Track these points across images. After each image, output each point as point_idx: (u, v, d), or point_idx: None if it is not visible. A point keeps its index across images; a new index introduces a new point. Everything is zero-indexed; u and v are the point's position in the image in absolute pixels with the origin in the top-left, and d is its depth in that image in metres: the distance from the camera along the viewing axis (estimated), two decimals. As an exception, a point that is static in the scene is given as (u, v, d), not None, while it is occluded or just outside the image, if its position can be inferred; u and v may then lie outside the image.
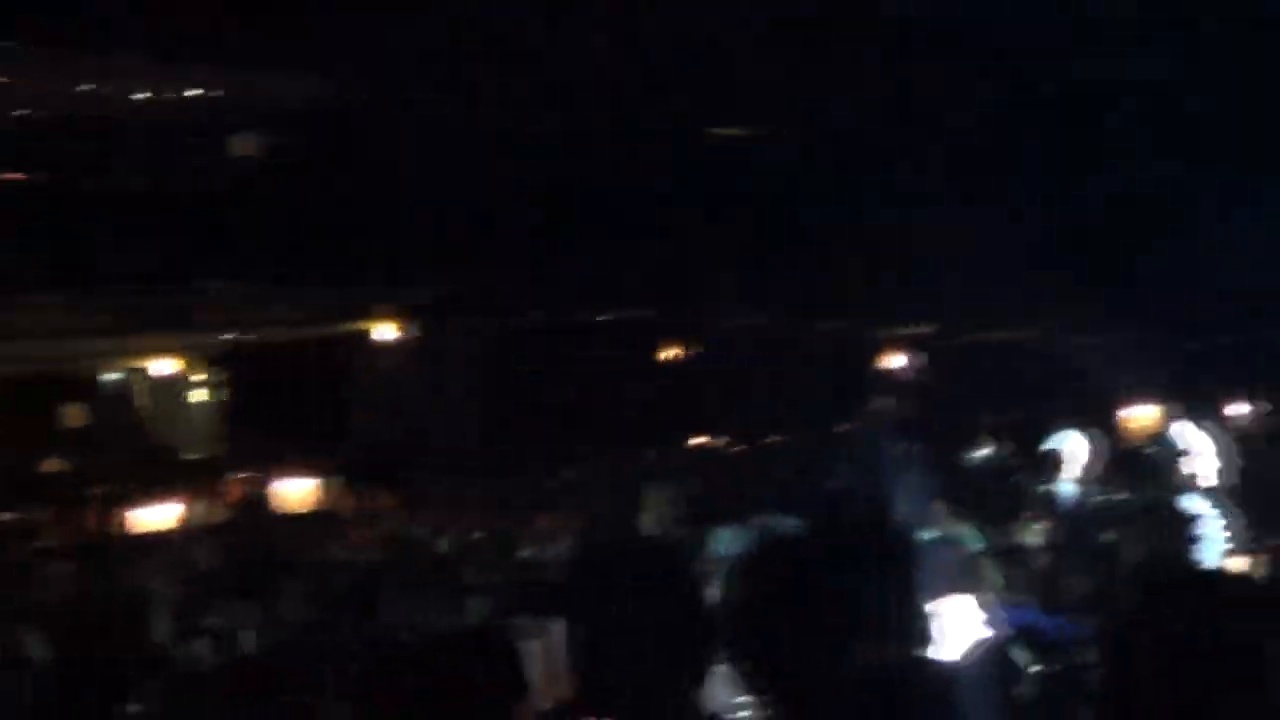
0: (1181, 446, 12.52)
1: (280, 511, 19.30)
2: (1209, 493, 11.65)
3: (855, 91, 17.86)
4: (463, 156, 19.45)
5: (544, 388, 21.77)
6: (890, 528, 10.00)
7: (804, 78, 17.68)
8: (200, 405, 31.16)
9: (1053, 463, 12.72)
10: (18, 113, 23.01)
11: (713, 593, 4.92)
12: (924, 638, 7.65)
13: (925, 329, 21.03)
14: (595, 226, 19.23)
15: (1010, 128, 17.98)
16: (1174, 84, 17.67)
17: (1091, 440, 13.15)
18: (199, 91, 23.54)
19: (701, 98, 18.59)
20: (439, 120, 20.24)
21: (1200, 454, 12.19)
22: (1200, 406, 14.87)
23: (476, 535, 15.32)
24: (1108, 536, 11.17)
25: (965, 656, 7.45)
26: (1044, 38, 17.56)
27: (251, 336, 26.65)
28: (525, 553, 13.81)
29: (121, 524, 18.31)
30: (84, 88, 23.30)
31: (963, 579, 8.37)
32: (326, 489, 19.68)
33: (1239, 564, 10.94)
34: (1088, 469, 12.80)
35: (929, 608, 7.86)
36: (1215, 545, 11.08)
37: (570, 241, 19.44)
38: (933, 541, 9.59)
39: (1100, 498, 12.28)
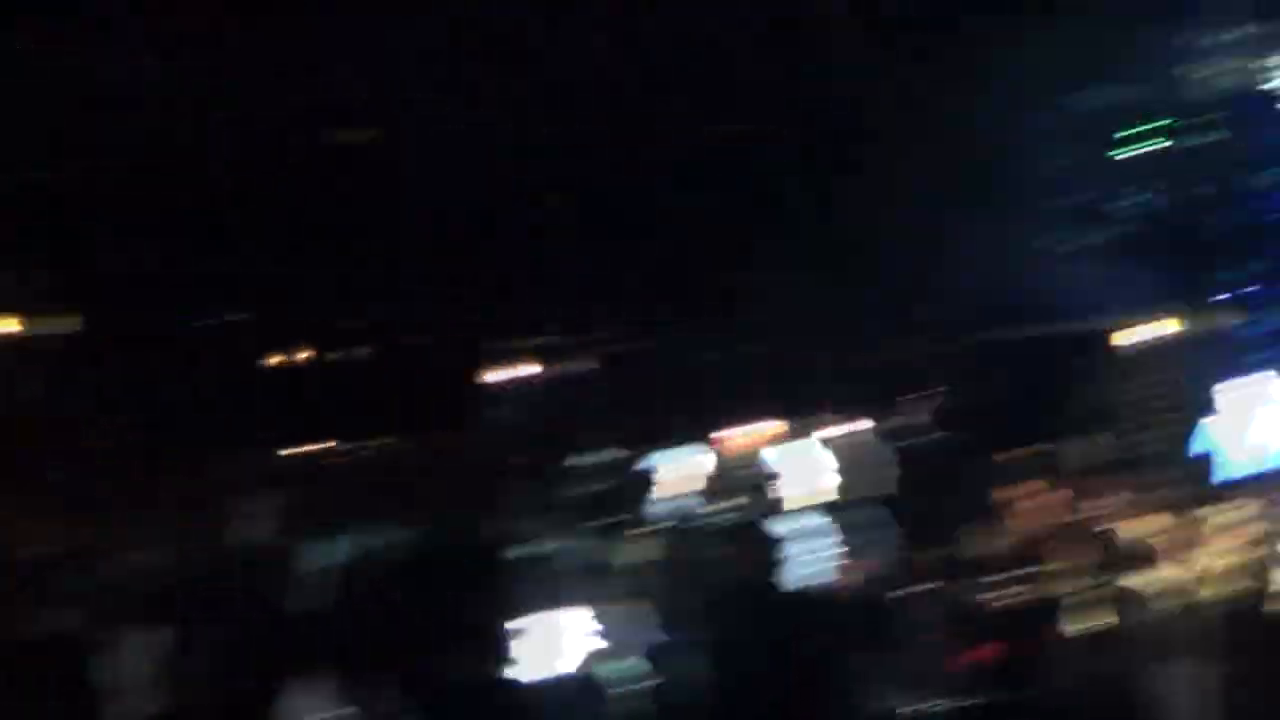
0: (784, 465, 12.71)
1: None
2: (812, 511, 11.88)
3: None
4: (54, 149, 18.70)
5: (144, 391, 21.09)
6: (495, 541, 9.95)
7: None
8: None
9: (657, 479, 12.77)
10: None
11: (310, 602, 4.77)
12: (527, 649, 7.62)
13: (539, 340, 20.99)
14: (192, 225, 18.66)
15: (598, 140, 17.99)
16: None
17: (696, 457, 13.25)
18: None
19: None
20: (33, 108, 19.39)
21: (804, 473, 12.41)
22: (806, 426, 15.16)
23: (70, 542, 14.73)
24: (712, 552, 11.29)
25: (570, 668, 7.42)
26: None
27: None
28: (121, 560, 13.31)
29: None
30: None
31: (569, 592, 8.34)
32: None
33: (839, 580, 11.19)
34: (691, 486, 12.89)
35: (535, 620, 7.82)
36: (813, 563, 11.31)
37: (168, 241, 18.82)
38: (540, 555, 9.55)
39: (706, 514, 12.39)
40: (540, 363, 21.01)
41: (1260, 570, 9.92)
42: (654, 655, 9.07)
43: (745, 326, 19.16)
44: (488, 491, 11.89)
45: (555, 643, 7.50)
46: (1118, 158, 19.94)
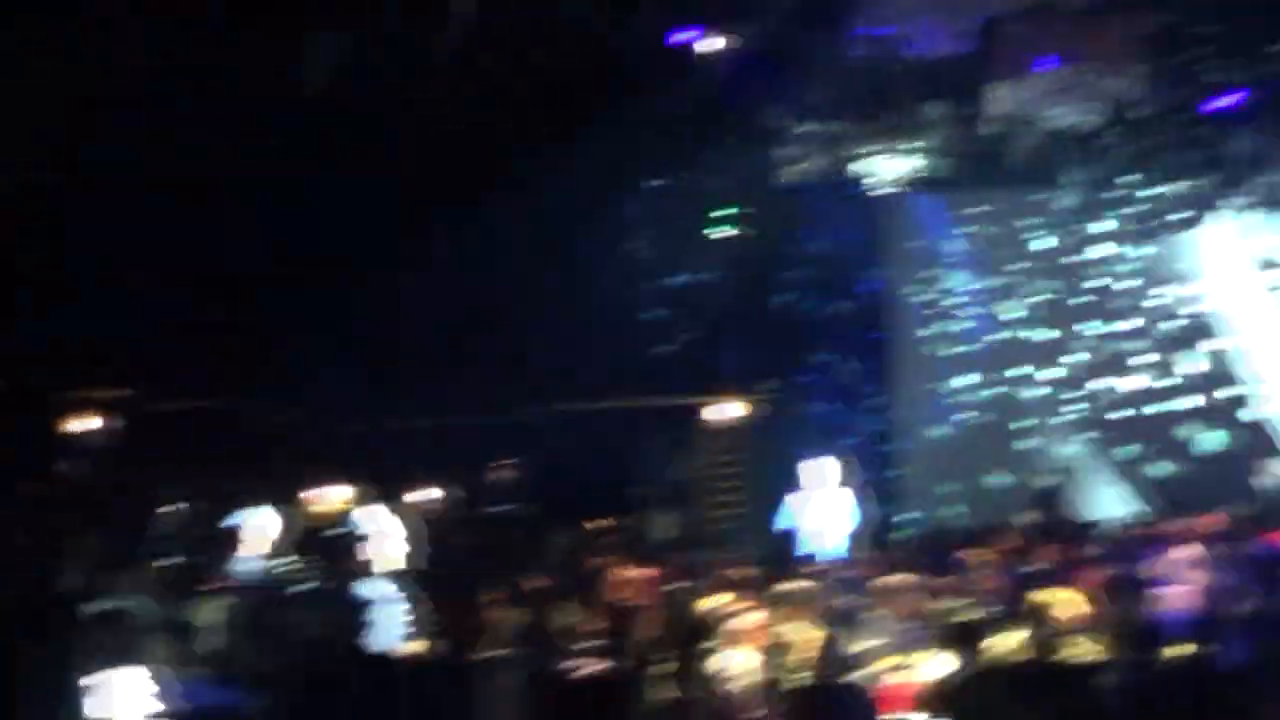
0: (368, 529, 12.55)
1: None
2: (393, 576, 11.72)
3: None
4: None
5: None
6: (54, 595, 9.52)
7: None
8: None
9: (238, 538, 12.44)
10: None
11: None
12: (96, 707, 7.28)
13: (120, 393, 20.33)
14: None
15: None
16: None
17: (279, 518, 12.96)
18: None
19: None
20: None
21: (387, 537, 12.24)
22: (390, 489, 15.00)
23: None
24: (288, 615, 11.04)
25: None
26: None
27: None
28: None
29: None
30: None
31: (136, 651, 8.02)
32: None
33: (417, 646, 11.05)
34: (274, 546, 12.59)
35: (98, 679, 7.48)
36: (394, 628, 11.15)
37: None
38: (105, 612, 9.18)
39: (284, 576, 12.12)
40: (121, 416, 20.36)
41: (832, 647, 10.13)
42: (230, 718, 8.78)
43: (328, 392, 18.94)
44: (59, 543, 11.39)
45: (124, 701, 7.17)
46: (701, 241, 20.43)
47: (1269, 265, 19.75)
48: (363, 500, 14.29)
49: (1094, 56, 17.68)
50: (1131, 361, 19.91)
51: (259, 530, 12.54)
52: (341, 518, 13.66)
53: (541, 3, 17.45)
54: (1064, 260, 20.18)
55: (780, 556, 14.37)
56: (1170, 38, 17.38)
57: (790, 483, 16.24)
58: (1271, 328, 19.65)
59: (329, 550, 12.29)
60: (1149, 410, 19.84)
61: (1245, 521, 14.88)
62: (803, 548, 15.28)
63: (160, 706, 7.33)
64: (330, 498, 15.61)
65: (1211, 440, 19.62)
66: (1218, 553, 13.13)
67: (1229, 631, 9.57)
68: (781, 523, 15.91)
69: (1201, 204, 19.17)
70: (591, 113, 17.57)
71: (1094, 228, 20.02)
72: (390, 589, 11.37)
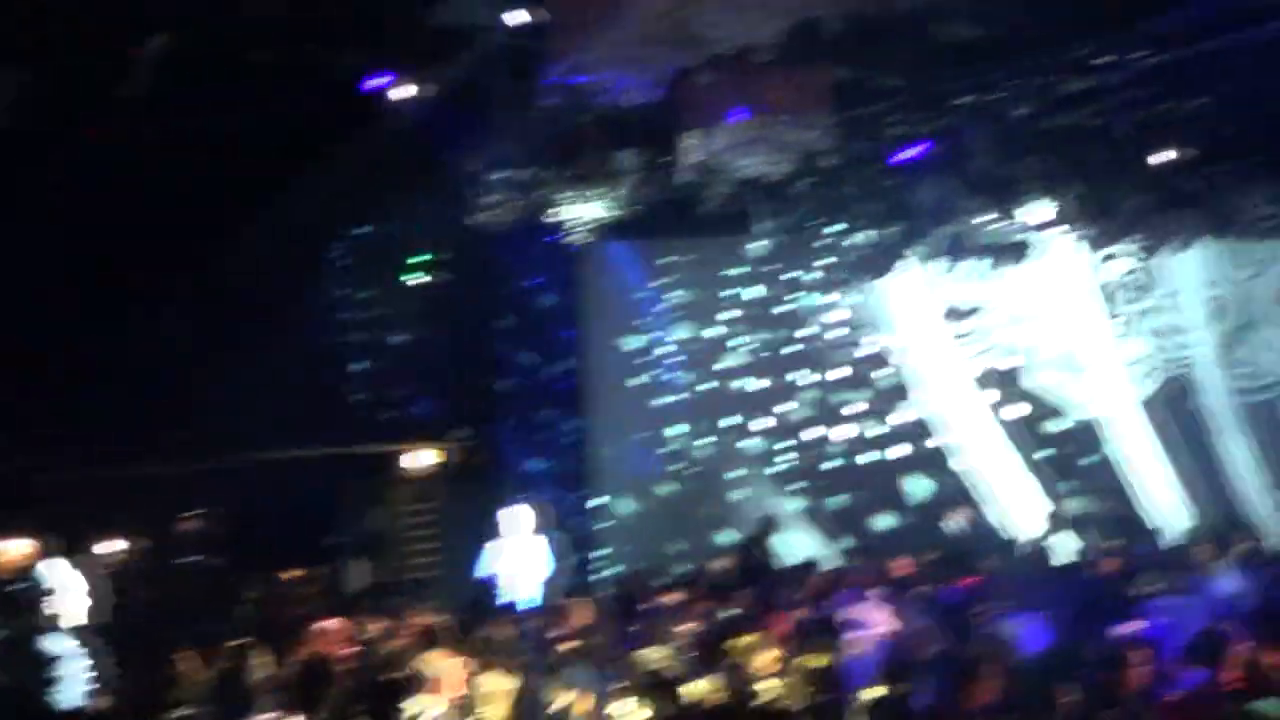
0: (50, 583, 12.23)
1: None
2: (77, 631, 11.42)
3: None
4: None
5: None
6: None
7: None
8: None
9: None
10: None
11: None
12: None
13: None
14: None
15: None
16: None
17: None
18: None
19: None
20: None
21: (70, 590, 11.94)
22: (75, 541, 14.58)
23: None
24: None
25: None
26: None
27: None
28: None
29: None
30: None
31: None
32: None
33: (104, 703, 10.75)
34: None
35: None
36: (78, 685, 10.85)
37: None
38: None
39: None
40: None
41: (528, 696, 10.16)
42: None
43: (10, 440, 18.34)
44: None
45: None
46: (398, 288, 20.27)
47: (953, 314, 20.28)
48: (46, 552, 13.85)
49: (782, 107, 17.92)
50: (843, 411, 20.28)
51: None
52: (24, 570, 13.26)
53: (231, 48, 17.16)
54: (772, 310, 20.45)
55: (478, 605, 14.29)
56: (855, 90, 17.70)
57: (487, 531, 16.18)
58: (960, 377, 20.15)
59: (11, 604, 11.93)
60: (859, 459, 20.23)
61: (935, 566, 15.25)
62: (502, 596, 15.23)
63: None
64: (11, 550, 15.09)
65: (919, 488, 20.07)
66: (908, 597, 13.47)
67: (918, 673, 9.78)
68: (481, 570, 15.83)
69: (892, 254, 19.59)
70: (288, 161, 17.34)
71: (796, 277, 20.33)
72: (75, 644, 11.07)
